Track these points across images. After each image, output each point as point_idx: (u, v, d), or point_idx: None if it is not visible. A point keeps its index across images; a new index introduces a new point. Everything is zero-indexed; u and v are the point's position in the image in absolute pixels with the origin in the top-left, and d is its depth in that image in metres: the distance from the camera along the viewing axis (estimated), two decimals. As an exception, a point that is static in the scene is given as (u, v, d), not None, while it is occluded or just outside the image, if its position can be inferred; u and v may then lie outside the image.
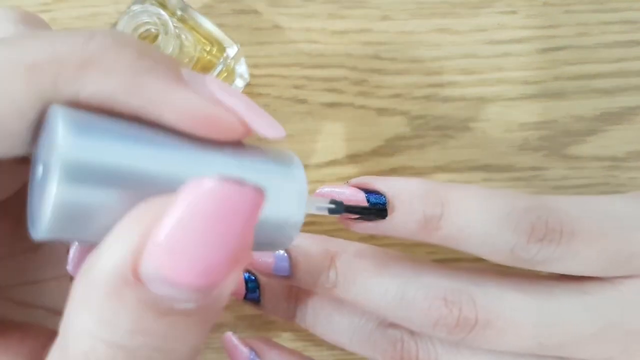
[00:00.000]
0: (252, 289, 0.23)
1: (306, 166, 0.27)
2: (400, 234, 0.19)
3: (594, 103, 0.27)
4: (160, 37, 0.22)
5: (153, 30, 0.23)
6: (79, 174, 0.11)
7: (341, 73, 0.27)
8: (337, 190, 0.19)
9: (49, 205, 0.11)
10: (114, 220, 0.12)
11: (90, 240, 0.12)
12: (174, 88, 0.13)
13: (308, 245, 0.21)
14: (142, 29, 0.23)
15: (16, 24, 0.15)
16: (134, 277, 0.11)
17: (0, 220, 0.16)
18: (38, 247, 0.17)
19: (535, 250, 0.19)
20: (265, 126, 0.14)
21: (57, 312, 0.18)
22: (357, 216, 0.19)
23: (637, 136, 0.27)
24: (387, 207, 0.19)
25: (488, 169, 0.27)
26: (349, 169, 0.27)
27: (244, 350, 0.22)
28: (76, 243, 0.15)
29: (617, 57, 0.27)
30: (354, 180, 0.20)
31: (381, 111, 0.27)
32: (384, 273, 0.20)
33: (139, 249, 0.11)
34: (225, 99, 0.14)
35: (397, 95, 0.27)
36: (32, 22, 0.16)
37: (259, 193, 0.12)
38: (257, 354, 0.22)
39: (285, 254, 0.21)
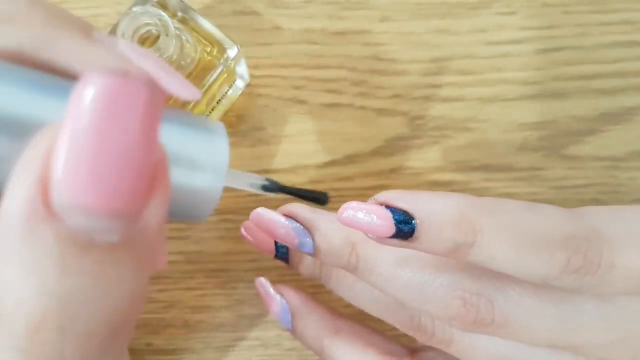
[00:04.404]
0: (282, 246, 0.23)
1: (306, 166, 0.27)
2: (426, 253, 0.19)
3: (593, 103, 0.27)
4: (161, 39, 0.22)
5: (154, 31, 0.23)
6: None
7: (341, 74, 0.28)
8: (362, 206, 0.18)
9: None
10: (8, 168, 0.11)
11: None
12: (83, 43, 0.13)
13: (331, 232, 0.21)
14: (143, 30, 0.23)
15: None
16: (47, 210, 0.10)
17: None
18: None
19: (568, 280, 0.18)
20: (178, 86, 0.14)
21: None
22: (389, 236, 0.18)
23: (637, 136, 0.27)
24: (414, 230, 0.18)
25: (487, 169, 0.27)
26: (348, 169, 0.27)
27: (275, 295, 0.24)
28: None
29: (617, 58, 0.28)
30: (381, 197, 0.18)
31: (381, 111, 0.27)
32: (404, 266, 0.20)
33: (45, 179, 0.10)
34: (135, 58, 0.14)
35: (396, 96, 0.28)
36: None
37: (149, 86, 0.11)
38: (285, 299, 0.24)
39: (308, 233, 0.21)
